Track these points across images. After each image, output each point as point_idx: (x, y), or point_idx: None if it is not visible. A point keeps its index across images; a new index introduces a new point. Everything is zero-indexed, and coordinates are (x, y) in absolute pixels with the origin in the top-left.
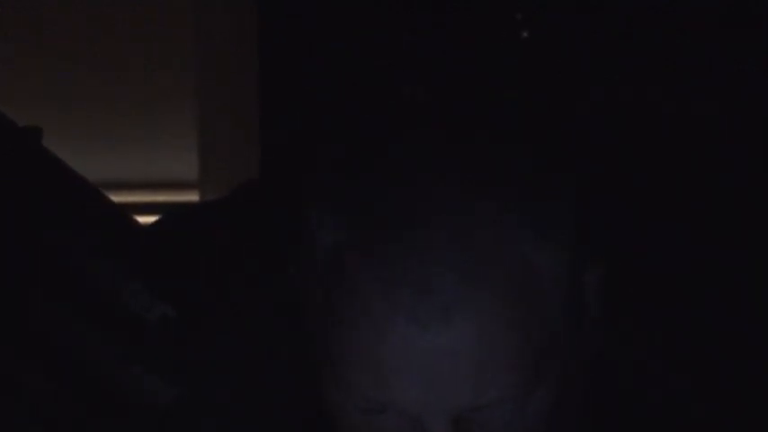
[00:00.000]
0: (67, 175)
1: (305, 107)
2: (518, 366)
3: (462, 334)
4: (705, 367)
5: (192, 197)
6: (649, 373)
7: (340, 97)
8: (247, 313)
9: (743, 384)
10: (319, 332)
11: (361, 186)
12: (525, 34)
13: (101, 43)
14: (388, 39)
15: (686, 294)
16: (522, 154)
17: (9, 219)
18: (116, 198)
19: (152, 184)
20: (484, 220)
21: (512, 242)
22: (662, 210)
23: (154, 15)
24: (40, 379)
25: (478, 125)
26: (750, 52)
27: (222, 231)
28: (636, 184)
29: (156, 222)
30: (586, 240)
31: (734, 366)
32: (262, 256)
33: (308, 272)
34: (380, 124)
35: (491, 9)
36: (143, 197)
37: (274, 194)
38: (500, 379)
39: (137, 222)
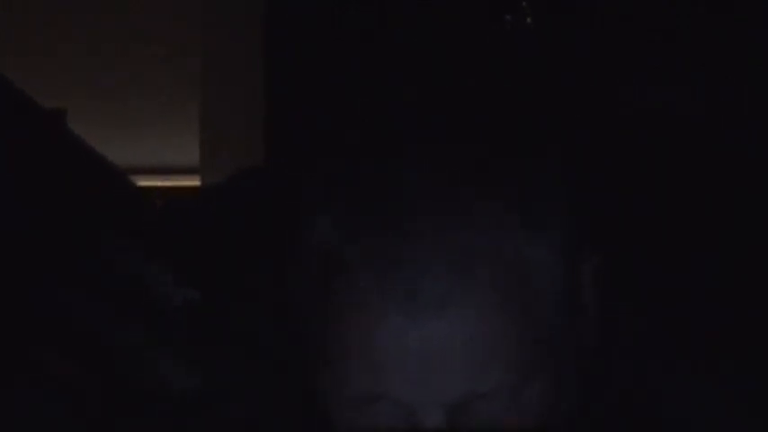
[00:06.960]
0: (91, 156)
1: (310, 95)
2: (512, 358)
3: (456, 326)
4: (704, 361)
5: (194, 183)
6: (646, 366)
7: (338, 95)
8: (254, 303)
9: (743, 379)
10: (314, 327)
11: (355, 184)
12: (514, 29)
13: (109, 35)
14: (387, 38)
15: (684, 286)
16: (512, 148)
17: (32, 200)
18: None
19: (154, 169)
20: (476, 214)
21: (503, 235)
22: (660, 201)
23: (161, 7)
24: (62, 364)
25: (468, 121)
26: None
27: (227, 220)
28: (634, 176)
29: (162, 208)
30: (583, 232)
31: (734, 360)
32: (263, 247)
33: (303, 268)
34: (374, 124)
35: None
36: (145, 182)
37: (274, 185)
38: (494, 370)
39: (158, 206)
